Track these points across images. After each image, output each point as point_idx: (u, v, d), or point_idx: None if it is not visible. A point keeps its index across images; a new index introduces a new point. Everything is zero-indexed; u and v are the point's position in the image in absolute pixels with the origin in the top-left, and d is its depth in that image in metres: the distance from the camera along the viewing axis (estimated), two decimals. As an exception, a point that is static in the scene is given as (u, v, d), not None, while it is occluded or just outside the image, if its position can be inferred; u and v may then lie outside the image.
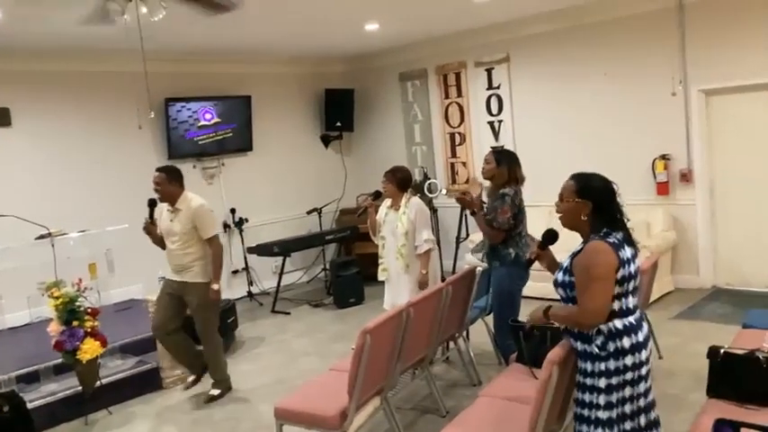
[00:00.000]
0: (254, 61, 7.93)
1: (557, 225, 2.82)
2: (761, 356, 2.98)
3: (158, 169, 4.79)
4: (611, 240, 2.53)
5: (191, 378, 5.13)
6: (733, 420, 2.57)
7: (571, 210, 2.63)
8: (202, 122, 7.51)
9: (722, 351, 3.11)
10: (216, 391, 4.87)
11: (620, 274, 2.50)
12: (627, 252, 2.54)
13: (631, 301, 2.58)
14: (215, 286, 4.73)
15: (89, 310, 4.61)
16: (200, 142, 7.52)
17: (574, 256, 2.63)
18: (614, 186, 2.66)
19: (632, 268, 2.55)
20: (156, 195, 4.76)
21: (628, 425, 2.57)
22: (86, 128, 6.75)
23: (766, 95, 5.98)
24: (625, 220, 2.65)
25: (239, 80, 7.91)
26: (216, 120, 7.62)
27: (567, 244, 2.82)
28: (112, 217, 5.80)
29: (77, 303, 4.55)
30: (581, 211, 2.60)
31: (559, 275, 2.67)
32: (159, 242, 4.88)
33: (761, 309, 5.13)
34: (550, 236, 2.96)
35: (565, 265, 2.67)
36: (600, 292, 2.50)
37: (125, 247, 5.48)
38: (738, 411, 2.85)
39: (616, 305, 2.53)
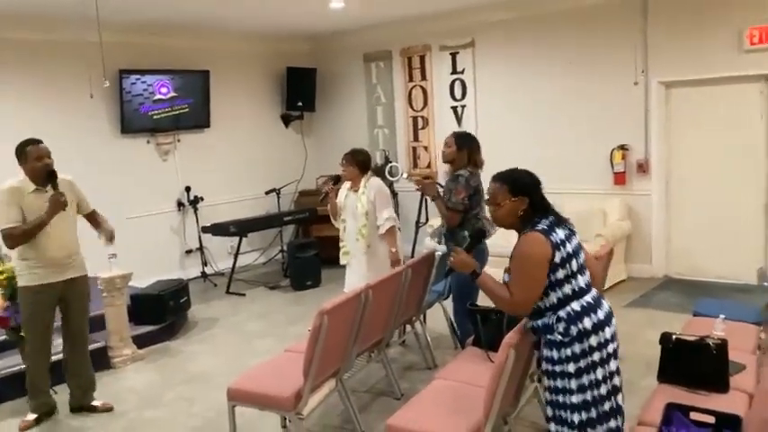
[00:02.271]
0: (214, 36, 7.71)
1: None
2: (710, 343, 3.04)
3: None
4: (540, 228, 2.55)
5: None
6: (683, 404, 2.61)
7: (510, 210, 2.65)
8: (158, 96, 7.27)
9: (674, 337, 3.16)
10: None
11: (557, 257, 2.52)
12: (559, 234, 2.56)
13: (582, 281, 2.58)
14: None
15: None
16: (154, 117, 7.29)
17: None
18: (537, 176, 2.70)
19: (570, 248, 2.56)
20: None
21: (606, 405, 2.59)
22: (36, 97, 6.45)
23: (723, 89, 6.10)
24: (554, 208, 2.67)
25: (198, 54, 7.69)
26: (172, 94, 7.39)
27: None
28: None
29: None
30: (518, 208, 2.63)
31: (506, 277, 2.67)
32: None
33: (711, 298, 5.29)
34: (479, 234, 3.07)
35: (507, 266, 2.67)
36: (530, 283, 2.53)
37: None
38: (688, 396, 2.91)
39: (568, 288, 2.54)
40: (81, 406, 4.30)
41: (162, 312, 5.61)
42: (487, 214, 3.23)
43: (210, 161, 7.93)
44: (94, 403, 4.32)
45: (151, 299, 5.62)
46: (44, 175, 3.92)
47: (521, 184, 2.64)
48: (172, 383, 4.73)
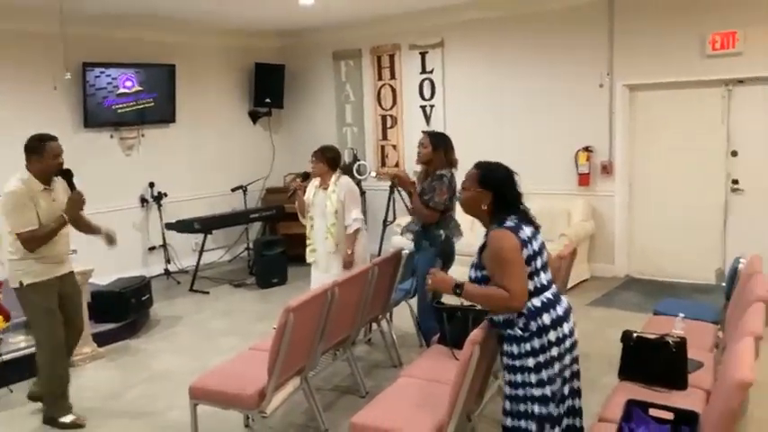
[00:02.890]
0: (181, 29, 7.58)
1: None
2: (670, 341, 3.09)
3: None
4: (508, 225, 2.58)
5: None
6: (642, 401, 2.66)
7: (472, 199, 2.68)
8: (122, 90, 7.12)
9: (635, 335, 3.22)
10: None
11: (525, 254, 2.55)
12: (526, 231, 2.59)
13: (544, 278, 2.63)
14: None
15: (-10, 283, 4.27)
16: (119, 111, 7.14)
17: (481, 250, 2.66)
18: (515, 177, 2.70)
19: (535, 246, 2.60)
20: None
21: (566, 403, 2.65)
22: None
23: (686, 93, 6.24)
24: (524, 208, 2.69)
25: (164, 48, 7.55)
26: (137, 88, 7.25)
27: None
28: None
29: (-23, 275, 4.19)
30: (482, 200, 2.65)
31: (471, 272, 2.69)
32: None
33: (671, 297, 5.40)
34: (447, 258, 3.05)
35: (474, 261, 2.70)
36: (517, 273, 2.55)
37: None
38: (648, 393, 2.96)
39: (530, 285, 2.58)
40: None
41: (123, 310, 5.50)
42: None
43: (176, 157, 7.80)
44: None
45: (112, 296, 5.50)
46: (55, 174, 3.85)
47: (490, 178, 2.67)
48: (133, 382, 4.64)
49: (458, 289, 2.67)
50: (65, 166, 3.89)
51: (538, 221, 2.72)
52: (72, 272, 4.11)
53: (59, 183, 3.93)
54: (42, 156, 3.78)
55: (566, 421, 2.70)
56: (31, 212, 3.73)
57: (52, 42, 5.77)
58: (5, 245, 3.84)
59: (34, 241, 3.74)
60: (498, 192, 2.64)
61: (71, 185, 3.91)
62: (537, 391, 2.57)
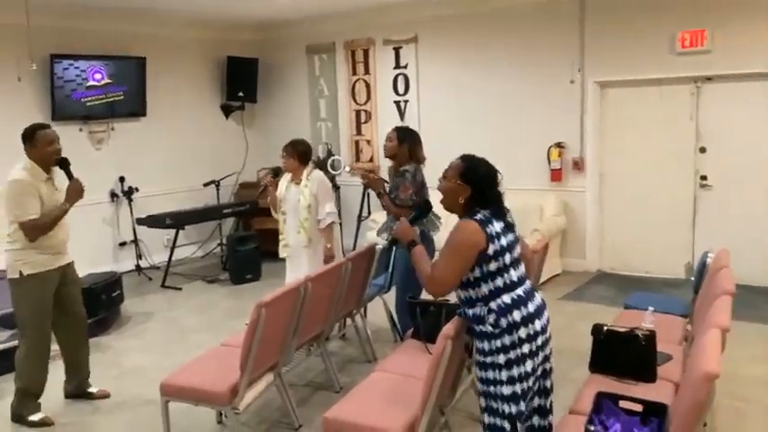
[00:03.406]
0: (151, 21, 7.46)
1: None
2: (640, 334, 3.13)
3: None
4: (478, 217, 2.56)
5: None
6: (612, 393, 2.69)
7: (451, 190, 2.66)
8: (91, 83, 6.99)
9: (605, 329, 3.25)
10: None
11: (491, 250, 2.53)
12: (496, 227, 2.56)
13: (515, 274, 2.61)
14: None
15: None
16: (87, 104, 7.01)
17: None
18: (498, 175, 2.69)
19: (504, 241, 2.57)
20: None
21: (536, 402, 2.66)
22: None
23: (656, 90, 6.33)
24: (503, 207, 2.68)
25: (134, 40, 7.42)
26: (106, 81, 7.12)
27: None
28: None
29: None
30: (460, 194, 2.63)
31: None
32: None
33: (642, 291, 5.48)
34: (425, 207, 3.16)
35: None
36: (452, 266, 2.55)
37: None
38: (618, 385, 3.00)
39: (499, 281, 2.56)
40: (81, 393, 4.25)
41: (93, 306, 5.37)
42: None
43: (146, 151, 7.69)
44: (91, 390, 4.28)
45: (82, 292, 5.38)
46: (53, 162, 3.86)
47: (472, 173, 2.63)
48: (103, 379, 4.54)
49: (411, 245, 2.73)
50: (64, 156, 3.91)
51: (512, 218, 2.70)
52: (72, 262, 4.10)
53: (59, 172, 3.92)
54: (35, 144, 3.80)
55: (530, 422, 2.71)
56: (36, 201, 3.72)
57: (17, 33, 5.63)
58: (3, 235, 3.79)
59: (37, 230, 3.73)
60: (478, 188, 2.62)
61: (69, 174, 3.90)
62: (507, 390, 2.56)
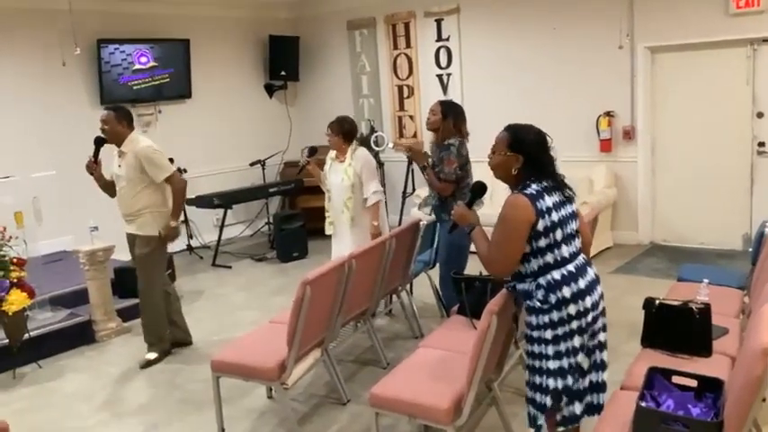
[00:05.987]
0: (193, 2, 7.52)
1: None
2: (693, 307, 3.04)
3: (107, 107, 4.53)
4: (528, 192, 2.48)
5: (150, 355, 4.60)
6: (665, 368, 2.61)
7: (503, 163, 2.59)
8: (137, 66, 7.12)
9: (657, 302, 3.16)
10: (152, 355, 4.53)
11: (541, 225, 2.46)
12: (547, 201, 2.48)
13: (566, 250, 2.53)
14: (173, 223, 4.42)
15: (15, 261, 4.40)
16: (134, 87, 7.15)
17: None
18: (548, 139, 2.60)
19: (555, 216, 2.49)
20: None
21: (586, 379, 2.61)
22: (7, 68, 6.29)
23: (709, 54, 6.06)
24: (556, 172, 2.60)
25: (177, 22, 7.51)
26: (152, 64, 7.24)
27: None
28: (39, 163, 5.47)
29: (1, 253, 4.33)
30: (512, 164, 2.56)
31: None
32: (106, 187, 4.57)
33: (695, 263, 5.32)
34: (479, 188, 2.92)
35: None
36: (506, 245, 2.50)
37: (54, 195, 5.18)
38: (670, 360, 2.92)
39: (549, 257, 2.50)
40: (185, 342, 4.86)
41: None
42: None
43: (193, 132, 7.81)
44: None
45: (135, 272, 5.53)
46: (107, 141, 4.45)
47: (520, 141, 2.55)
48: (157, 356, 4.70)
49: (469, 228, 2.69)
50: (101, 135, 4.43)
51: (572, 190, 2.62)
52: (136, 234, 4.52)
53: (130, 147, 4.38)
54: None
55: (587, 398, 2.65)
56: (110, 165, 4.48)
57: (60, 18, 5.75)
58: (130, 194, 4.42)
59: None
60: (529, 155, 2.53)
61: (96, 154, 4.47)
62: (553, 364, 2.52)
